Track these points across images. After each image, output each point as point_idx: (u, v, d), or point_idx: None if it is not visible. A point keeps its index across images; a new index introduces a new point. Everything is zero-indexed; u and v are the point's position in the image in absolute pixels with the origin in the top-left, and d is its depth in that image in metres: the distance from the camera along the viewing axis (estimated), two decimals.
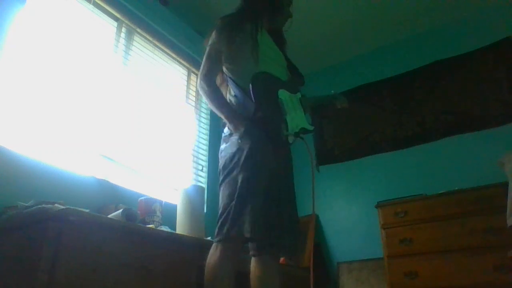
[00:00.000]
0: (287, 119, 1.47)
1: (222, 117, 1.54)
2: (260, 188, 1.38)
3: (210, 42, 1.62)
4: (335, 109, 1.96)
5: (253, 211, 1.33)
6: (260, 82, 1.48)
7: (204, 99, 1.61)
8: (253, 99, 1.45)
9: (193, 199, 2.06)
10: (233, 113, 1.51)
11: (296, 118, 1.52)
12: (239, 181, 1.39)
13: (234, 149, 1.46)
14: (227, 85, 1.63)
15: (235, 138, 1.48)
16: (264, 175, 1.40)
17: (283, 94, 1.53)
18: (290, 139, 1.47)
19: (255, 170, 1.39)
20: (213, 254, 1.41)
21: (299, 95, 1.64)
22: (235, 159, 1.44)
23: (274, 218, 1.38)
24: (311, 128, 1.59)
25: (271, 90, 1.51)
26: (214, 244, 1.43)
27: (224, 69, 1.63)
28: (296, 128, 1.50)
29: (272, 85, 1.53)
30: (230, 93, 1.61)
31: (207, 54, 1.61)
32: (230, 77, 1.59)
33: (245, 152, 1.42)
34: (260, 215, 1.33)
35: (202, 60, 1.63)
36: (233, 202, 1.37)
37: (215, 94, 1.56)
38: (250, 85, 1.46)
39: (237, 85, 1.54)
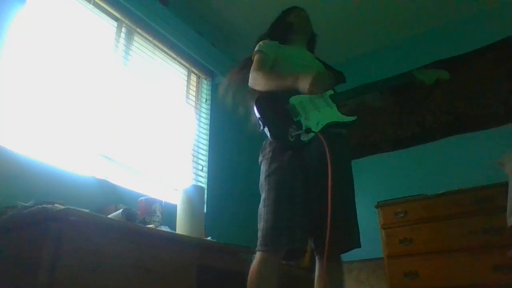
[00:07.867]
0: (301, 120, 1.49)
1: (289, 86, 1.57)
2: (278, 199, 1.48)
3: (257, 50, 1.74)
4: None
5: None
6: (260, 101, 1.55)
7: (261, 82, 1.63)
8: (258, 117, 1.53)
9: (193, 199, 2.06)
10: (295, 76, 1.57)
11: (317, 116, 1.53)
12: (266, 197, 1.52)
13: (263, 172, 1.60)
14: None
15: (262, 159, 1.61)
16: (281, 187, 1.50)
17: (294, 99, 1.55)
18: (304, 137, 1.47)
19: (273, 185, 1.51)
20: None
21: (329, 92, 1.65)
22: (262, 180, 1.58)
23: (292, 220, 1.44)
24: (346, 119, 1.59)
25: (275, 101, 1.56)
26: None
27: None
28: (317, 126, 1.50)
29: (277, 96, 1.57)
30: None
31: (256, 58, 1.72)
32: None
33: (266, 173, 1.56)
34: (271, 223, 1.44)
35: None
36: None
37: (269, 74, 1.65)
38: (254, 108, 1.54)
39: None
